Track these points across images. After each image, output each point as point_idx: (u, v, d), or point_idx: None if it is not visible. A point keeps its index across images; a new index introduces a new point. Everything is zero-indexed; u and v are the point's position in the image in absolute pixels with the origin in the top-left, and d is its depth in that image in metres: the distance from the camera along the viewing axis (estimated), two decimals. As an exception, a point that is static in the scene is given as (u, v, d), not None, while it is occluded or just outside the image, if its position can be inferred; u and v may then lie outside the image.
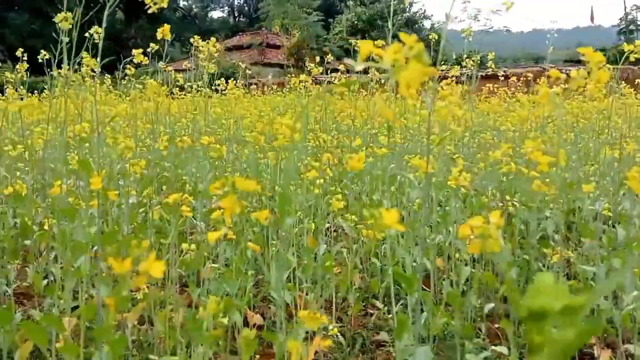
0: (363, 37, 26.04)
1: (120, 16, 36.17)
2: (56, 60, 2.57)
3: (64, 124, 1.63)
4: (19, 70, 3.88)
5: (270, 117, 4.29)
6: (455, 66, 5.01)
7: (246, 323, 2.12)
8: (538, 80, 4.88)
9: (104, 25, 1.36)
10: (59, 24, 2.52)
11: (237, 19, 50.72)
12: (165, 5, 1.20)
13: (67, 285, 1.52)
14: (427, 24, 32.96)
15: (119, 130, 3.49)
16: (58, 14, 2.51)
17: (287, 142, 1.79)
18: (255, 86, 12.34)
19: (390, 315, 2.17)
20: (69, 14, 2.57)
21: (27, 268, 2.76)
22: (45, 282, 2.30)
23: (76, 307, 2.09)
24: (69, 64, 2.68)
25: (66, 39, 2.32)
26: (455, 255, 2.16)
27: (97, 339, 1.22)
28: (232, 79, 5.09)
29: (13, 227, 3.04)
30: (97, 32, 3.02)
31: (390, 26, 2.08)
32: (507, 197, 2.66)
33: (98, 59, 1.71)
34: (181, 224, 2.95)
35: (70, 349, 1.23)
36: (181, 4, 48.09)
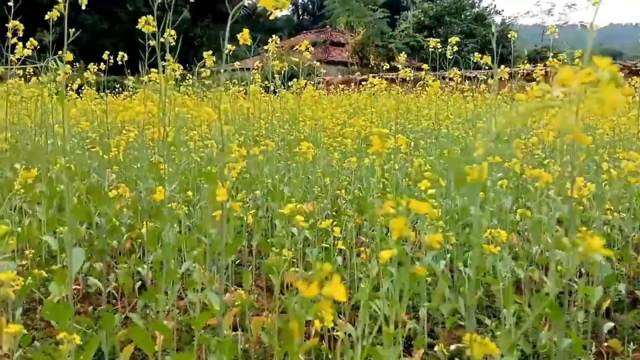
0: (430, 34, 25.59)
1: (186, 16, 37.17)
2: (145, 64, 2.62)
3: (177, 127, 1.64)
4: (94, 71, 4.02)
5: (343, 119, 4.23)
6: (527, 63, 4.79)
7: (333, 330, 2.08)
8: (630, 79, 4.60)
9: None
10: (143, 28, 2.56)
11: (301, 17, 51.09)
12: (285, 8, 1.18)
13: (172, 290, 1.52)
14: (497, 19, 32.03)
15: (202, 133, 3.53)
16: (141, 18, 2.55)
17: (381, 149, 1.74)
18: (321, 84, 12.32)
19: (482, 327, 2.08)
20: (150, 17, 2.62)
21: (114, 268, 2.84)
22: (138, 283, 2.34)
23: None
24: (155, 67, 2.72)
25: (138, 43, 2.36)
26: (558, 267, 2.04)
27: (213, 349, 1.22)
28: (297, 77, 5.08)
29: (97, 227, 3.14)
30: (170, 35, 3.08)
31: (493, 29, 1.96)
32: (607, 205, 2.50)
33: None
34: (262, 226, 2.96)
35: (185, 358, 1.23)
36: (246, 2, 48.90)
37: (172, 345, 1.61)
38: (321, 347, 1.79)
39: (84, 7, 1.63)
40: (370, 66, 22.84)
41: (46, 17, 2.61)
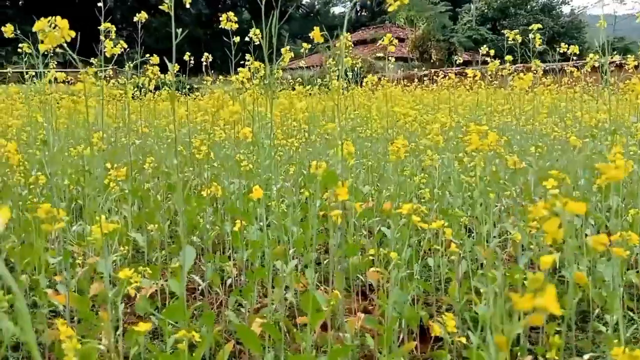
0: (494, 27, 24.89)
1: (246, 16, 37.86)
2: (233, 64, 2.66)
3: (269, 126, 1.65)
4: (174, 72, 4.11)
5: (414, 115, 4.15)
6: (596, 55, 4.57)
7: (424, 332, 2.05)
8: None
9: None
10: (225, 26, 2.59)
11: (359, 14, 50.90)
12: (406, 1, 1.17)
13: (276, 290, 1.53)
14: (565, 9, 30.78)
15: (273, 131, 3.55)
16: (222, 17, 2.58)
17: (480, 147, 1.69)
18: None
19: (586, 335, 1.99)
20: (231, 13, 2.64)
21: (200, 265, 2.90)
22: (228, 280, 2.37)
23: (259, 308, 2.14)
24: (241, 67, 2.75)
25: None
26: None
27: (333, 353, 1.21)
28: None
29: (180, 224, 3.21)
30: (255, 35, 3.10)
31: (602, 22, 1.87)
32: None
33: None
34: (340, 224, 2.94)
35: (302, 359, 1.23)
36: (304, 1, 49.25)
37: (271, 344, 1.62)
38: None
39: (187, 5, 1.66)
40: (431, 61, 22.48)
41: (135, 19, 2.70)
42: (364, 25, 37.17)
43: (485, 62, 4.63)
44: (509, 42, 3.62)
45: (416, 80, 12.28)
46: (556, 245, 2.68)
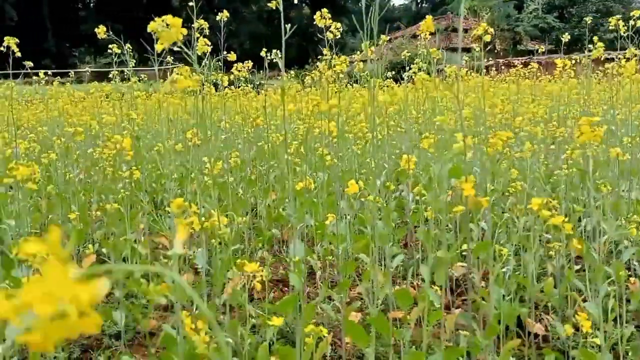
0: (561, 15, 23.92)
1: (306, 12, 38.07)
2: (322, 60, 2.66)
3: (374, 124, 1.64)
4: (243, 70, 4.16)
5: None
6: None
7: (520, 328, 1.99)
8: None
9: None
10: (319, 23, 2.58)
11: (420, 5, 50.23)
12: None
13: (363, 283, 1.52)
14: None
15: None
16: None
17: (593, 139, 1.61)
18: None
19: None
20: (325, 10, 2.64)
21: (280, 257, 2.93)
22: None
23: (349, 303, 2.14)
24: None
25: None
26: None
27: (449, 353, 1.19)
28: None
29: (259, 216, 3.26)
30: (337, 29, 3.08)
31: None
32: None
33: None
34: (417, 218, 2.91)
35: (416, 356, 1.21)
36: (364, -7, 49.09)
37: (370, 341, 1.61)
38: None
39: (295, 1, 1.66)
40: (495, 51, 21.86)
41: (217, 17, 2.75)
42: (425, 17, 36.56)
43: (551, 52, 4.43)
44: (610, 29, 3.45)
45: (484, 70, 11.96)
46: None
